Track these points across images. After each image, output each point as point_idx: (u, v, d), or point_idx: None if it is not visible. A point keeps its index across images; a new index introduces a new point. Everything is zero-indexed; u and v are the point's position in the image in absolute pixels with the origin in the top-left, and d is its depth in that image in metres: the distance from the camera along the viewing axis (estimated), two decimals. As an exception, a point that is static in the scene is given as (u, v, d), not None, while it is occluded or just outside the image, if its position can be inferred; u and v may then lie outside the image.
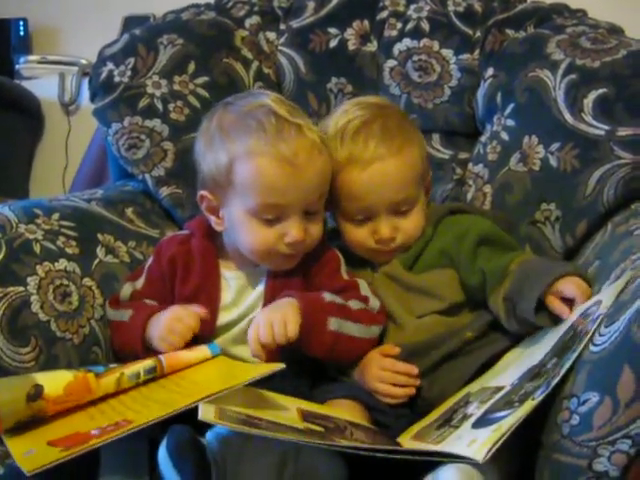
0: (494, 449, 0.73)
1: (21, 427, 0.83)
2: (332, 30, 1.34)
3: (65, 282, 1.06)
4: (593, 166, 1.13)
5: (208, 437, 0.81)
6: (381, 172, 1.04)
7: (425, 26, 1.31)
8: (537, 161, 1.18)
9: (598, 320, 0.82)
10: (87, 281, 1.09)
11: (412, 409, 1.00)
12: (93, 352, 1.05)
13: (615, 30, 1.25)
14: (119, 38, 1.33)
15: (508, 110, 1.23)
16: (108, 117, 1.28)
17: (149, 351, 0.99)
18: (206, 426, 0.82)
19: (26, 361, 0.96)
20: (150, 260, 1.12)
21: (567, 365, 0.80)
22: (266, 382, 0.87)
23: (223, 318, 1.06)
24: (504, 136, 1.23)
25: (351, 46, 1.34)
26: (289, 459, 0.81)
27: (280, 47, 1.35)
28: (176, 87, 1.28)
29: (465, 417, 0.86)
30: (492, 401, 0.85)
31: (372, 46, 1.34)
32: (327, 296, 1.02)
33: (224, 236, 1.09)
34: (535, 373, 0.85)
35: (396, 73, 1.32)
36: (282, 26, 1.36)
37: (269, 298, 1.05)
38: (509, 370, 0.93)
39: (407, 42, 1.32)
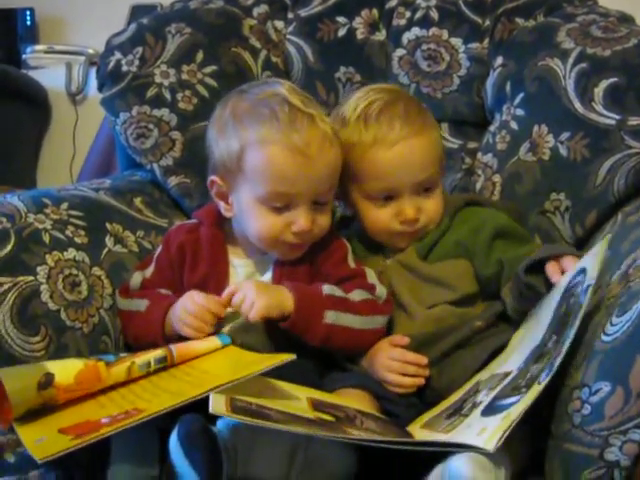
0: (504, 437, 0.73)
1: (32, 415, 0.83)
2: (340, 19, 1.33)
3: (74, 271, 1.06)
4: (603, 156, 1.12)
5: (219, 426, 0.81)
6: (406, 151, 1.06)
7: (434, 15, 1.30)
8: (547, 151, 1.17)
9: (588, 292, 0.81)
10: (96, 270, 1.09)
11: (421, 399, 1.00)
12: (102, 341, 1.05)
13: (626, 19, 1.24)
14: (126, 27, 1.33)
15: (517, 99, 1.23)
16: (116, 106, 1.28)
17: (169, 342, 0.98)
18: (217, 415, 0.82)
19: (36, 350, 0.96)
20: (159, 249, 1.12)
21: (567, 343, 0.79)
22: (276, 371, 0.87)
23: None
24: (513, 125, 1.22)
25: (360, 35, 1.33)
26: (300, 447, 0.82)
27: (288, 36, 1.34)
28: (184, 76, 1.28)
29: (475, 405, 0.86)
30: (500, 387, 0.85)
31: (381, 35, 1.33)
32: (326, 289, 1.02)
33: (233, 223, 1.09)
34: (538, 354, 0.85)
35: (405, 62, 1.32)
36: (290, 15, 1.35)
37: None
38: (514, 354, 0.93)
39: (416, 31, 1.31)
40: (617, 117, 1.11)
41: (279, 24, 1.35)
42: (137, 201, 1.25)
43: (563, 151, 1.16)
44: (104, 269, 1.11)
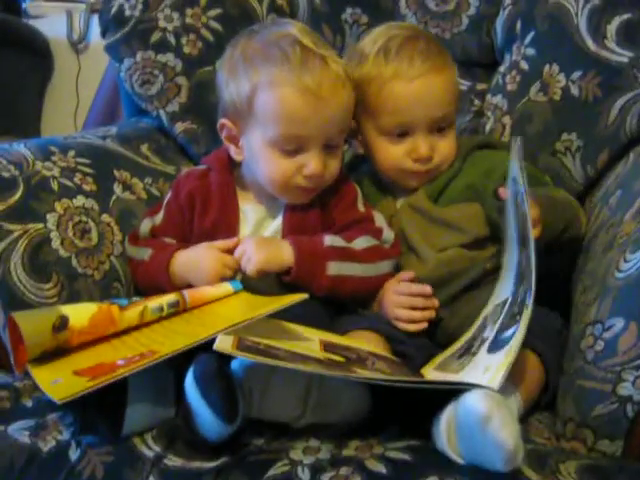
0: (506, 374, 0.74)
1: (46, 358, 0.84)
2: (346, -42, 1.30)
3: (84, 219, 1.06)
4: (616, 94, 1.11)
5: (233, 366, 0.81)
6: (425, 87, 1.05)
7: (443, -48, 1.27)
8: (558, 90, 1.16)
9: (526, 200, 0.82)
10: (105, 217, 1.09)
11: (433, 341, 1.01)
12: (114, 288, 1.06)
13: (639, -47, 1.21)
14: (128, -29, 1.30)
15: (528, 39, 1.20)
16: (120, 52, 1.26)
17: (177, 289, 0.98)
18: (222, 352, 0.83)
19: (49, 297, 0.97)
20: (168, 195, 1.12)
21: (532, 256, 0.79)
22: (288, 315, 0.87)
23: (242, 252, 1.06)
24: (524, 65, 1.20)
25: (366, -26, 1.30)
26: (313, 387, 0.82)
27: (293, -23, 1.32)
28: (188, 20, 1.26)
29: (483, 342, 0.86)
30: (501, 318, 0.85)
31: (388, -26, 1.30)
32: (327, 240, 1.02)
33: (243, 167, 1.09)
34: (520, 274, 0.85)
35: (412, 2, 1.29)
36: (295, -45, 1.32)
37: (286, 231, 1.05)
38: (505, 279, 0.93)
39: (424, -31, 1.28)
40: (630, 54, 1.10)
41: (284, -35, 1.32)
42: (144, 148, 1.24)
43: (574, 90, 1.14)
44: (113, 216, 1.10)
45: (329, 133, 1.01)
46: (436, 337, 1.01)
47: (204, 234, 1.06)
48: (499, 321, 0.85)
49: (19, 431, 0.84)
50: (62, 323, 0.83)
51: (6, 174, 1.02)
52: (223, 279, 0.99)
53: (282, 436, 0.83)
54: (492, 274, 1.02)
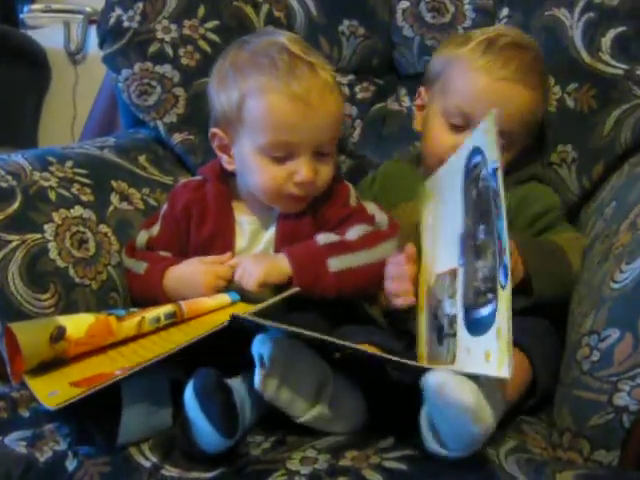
0: (512, 359, 0.70)
1: (43, 369, 0.84)
2: (343, -29, 1.31)
3: (81, 229, 1.06)
4: (611, 106, 1.12)
5: (256, 343, 0.81)
6: (505, 92, 1.04)
7: (438, -35, 1.28)
8: (554, 102, 1.16)
9: (498, 176, 0.77)
10: (103, 228, 1.10)
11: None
12: (111, 298, 1.06)
13: (634, -34, 1.22)
14: (126, -17, 1.31)
15: (524, 51, 1.21)
16: (118, 63, 1.26)
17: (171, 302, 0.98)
18: (230, 371, 0.83)
19: (46, 307, 0.97)
20: (164, 207, 1.12)
21: (505, 236, 0.75)
22: (285, 320, 0.87)
23: (238, 263, 1.06)
24: (520, 77, 1.21)
25: (363, -13, 1.31)
26: (329, 381, 0.83)
27: (291, -11, 1.32)
28: (186, 32, 1.26)
29: (452, 320, 0.83)
30: (459, 293, 0.82)
31: (384, -14, 1.31)
32: (320, 238, 1.02)
33: (238, 178, 1.09)
34: (472, 246, 0.82)
35: (409, 14, 1.30)
36: (292, -33, 1.33)
37: (280, 240, 1.05)
38: (441, 247, 0.91)
39: (420, -18, 1.29)
40: (625, 67, 1.11)
41: (281, -23, 1.33)
42: (142, 159, 1.25)
43: (570, 102, 1.15)
44: (111, 226, 1.11)
45: (319, 140, 1.01)
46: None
47: (201, 246, 1.07)
48: (458, 295, 0.82)
49: (16, 441, 0.83)
50: (59, 334, 0.84)
51: (4, 184, 1.02)
52: (218, 291, 1.00)
53: (279, 446, 0.83)
54: None
